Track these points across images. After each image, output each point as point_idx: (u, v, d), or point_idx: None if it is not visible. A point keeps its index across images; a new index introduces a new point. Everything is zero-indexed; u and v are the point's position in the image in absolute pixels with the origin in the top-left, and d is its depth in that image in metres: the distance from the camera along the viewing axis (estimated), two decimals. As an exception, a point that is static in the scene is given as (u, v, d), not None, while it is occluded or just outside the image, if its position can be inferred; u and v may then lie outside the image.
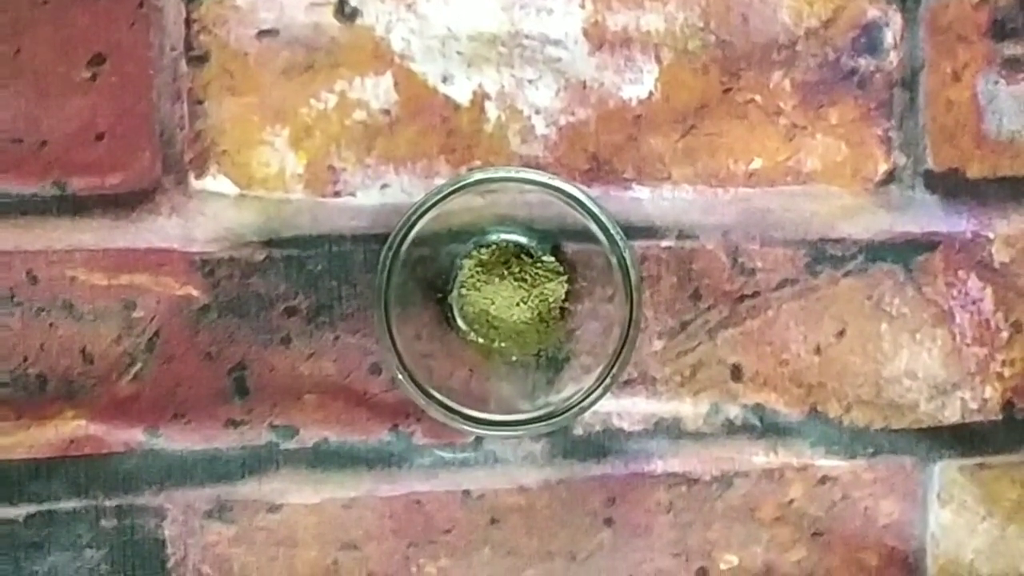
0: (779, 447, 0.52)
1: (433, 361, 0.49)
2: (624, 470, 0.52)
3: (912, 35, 0.52)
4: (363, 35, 0.49)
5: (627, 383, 0.51)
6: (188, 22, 0.48)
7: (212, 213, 0.49)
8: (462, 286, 0.49)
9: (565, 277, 0.50)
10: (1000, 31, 0.52)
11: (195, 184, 0.48)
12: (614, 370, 0.46)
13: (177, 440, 0.49)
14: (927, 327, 0.53)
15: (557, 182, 0.46)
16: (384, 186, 0.49)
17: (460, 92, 0.50)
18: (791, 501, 0.53)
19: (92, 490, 0.49)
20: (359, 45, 0.49)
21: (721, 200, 0.51)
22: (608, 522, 0.52)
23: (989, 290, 0.53)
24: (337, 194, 0.49)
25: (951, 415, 0.53)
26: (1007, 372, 0.54)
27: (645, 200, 0.51)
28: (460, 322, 0.50)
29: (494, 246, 0.50)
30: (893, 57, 0.52)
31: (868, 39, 0.51)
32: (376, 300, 0.45)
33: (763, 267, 0.52)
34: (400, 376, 0.46)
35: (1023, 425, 0.54)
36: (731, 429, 0.52)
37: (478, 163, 0.50)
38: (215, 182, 0.49)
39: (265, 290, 0.49)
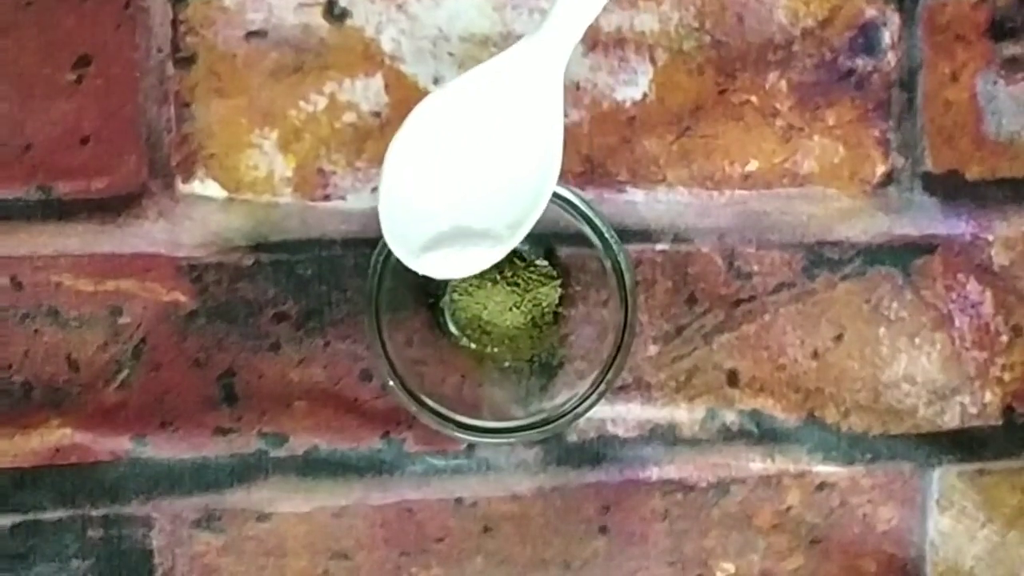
0: (776, 453, 0.52)
1: (425, 367, 0.48)
2: (619, 477, 0.51)
3: (910, 35, 0.51)
4: (353, 36, 0.48)
5: (622, 389, 0.51)
6: (175, 23, 0.48)
7: (199, 217, 0.48)
8: (454, 291, 0.49)
9: (559, 281, 0.49)
10: (999, 31, 0.52)
11: (182, 188, 0.48)
12: (609, 376, 0.46)
13: (165, 448, 0.49)
14: (926, 331, 0.52)
15: (550, 185, 0.45)
16: (375, 189, 0.49)
17: (452, 94, 0.49)
18: (788, 508, 0.52)
19: (78, 499, 0.48)
20: (349, 46, 0.48)
21: (717, 203, 0.51)
22: (603, 530, 0.51)
23: (989, 293, 0.53)
24: (327, 198, 0.49)
25: (950, 420, 0.53)
26: (1007, 376, 0.53)
27: (640, 203, 0.50)
28: (452, 327, 0.49)
29: (486, 250, 0.49)
30: (891, 57, 0.51)
31: (865, 39, 0.51)
32: (367, 305, 0.45)
33: (759, 271, 0.51)
34: (391, 382, 0.45)
35: (1023, 430, 0.53)
36: (727, 435, 0.52)
37: (470, 166, 0.49)
38: (203, 186, 0.48)
39: (254, 295, 0.49)
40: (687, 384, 0.51)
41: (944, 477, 0.53)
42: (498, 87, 0.33)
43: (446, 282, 0.49)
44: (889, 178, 0.52)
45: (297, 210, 0.49)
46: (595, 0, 0.34)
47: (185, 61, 0.48)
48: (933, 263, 0.52)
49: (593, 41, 0.49)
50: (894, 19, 0.51)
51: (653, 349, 0.51)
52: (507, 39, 0.49)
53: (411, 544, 0.50)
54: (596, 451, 0.51)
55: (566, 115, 0.49)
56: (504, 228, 0.36)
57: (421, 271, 0.38)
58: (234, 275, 0.49)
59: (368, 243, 0.49)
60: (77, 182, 0.47)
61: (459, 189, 0.34)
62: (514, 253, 0.49)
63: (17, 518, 0.48)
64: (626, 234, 0.50)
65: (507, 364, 0.49)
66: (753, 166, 0.51)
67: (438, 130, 0.33)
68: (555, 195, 0.45)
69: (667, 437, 0.51)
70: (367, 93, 0.49)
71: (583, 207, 0.45)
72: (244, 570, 0.50)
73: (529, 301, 0.49)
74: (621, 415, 0.51)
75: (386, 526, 0.50)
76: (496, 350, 0.49)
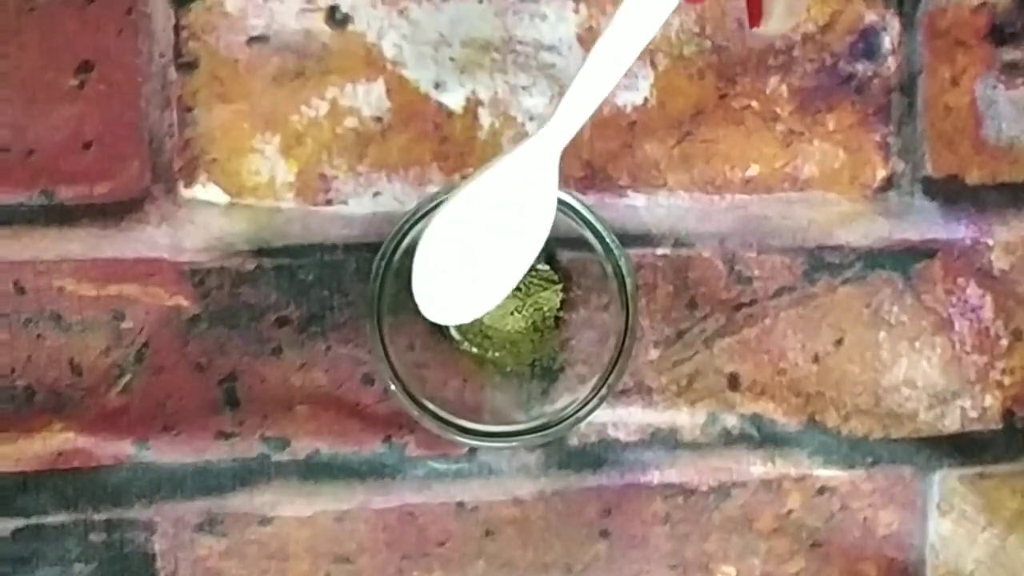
0: (777, 457, 0.52)
1: (426, 371, 0.48)
2: (620, 481, 0.51)
3: (910, 40, 0.51)
4: (354, 41, 0.48)
5: (623, 393, 0.51)
6: (177, 28, 0.48)
7: (202, 222, 0.48)
8: (455, 295, 0.49)
9: (560, 286, 0.49)
10: (999, 36, 0.52)
11: (184, 193, 0.48)
12: (610, 380, 0.46)
13: (167, 452, 0.49)
14: (926, 335, 0.52)
15: (551, 190, 0.45)
16: (376, 194, 0.49)
17: (453, 99, 0.49)
18: (789, 512, 0.52)
19: (81, 504, 0.48)
20: (350, 51, 0.48)
21: (717, 207, 0.51)
22: (604, 534, 0.51)
23: (989, 297, 0.53)
24: (329, 202, 0.49)
25: (951, 424, 0.53)
26: (1007, 380, 0.53)
27: (641, 207, 0.50)
28: (453, 332, 0.49)
29: (488, 255, 0.49)
30: (891, 62, 0.51)
31: (866, 44, 0.51)
32: (368, 310, 0.45)
33: (760, 275, 0.51)
34: (393, 386, 0.45)
35: (1023, 434, 0.53)
36: (728, 439, 0.52)
37: (471, 171, 0.49)
38: (205, 191, 0.48)
39: (256, 300, 0.49)
40: (688, 388, 0.51)
41: (945, 481, 0.53)
42: (505, 183, 0.40)
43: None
44: (889, 182, 0.52)
45: (299, 215, 0.49)
46: (588, 107, 0.39)
47: (187, 66, 0.48)
48: (933, 267, 0.52)
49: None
50: (894, 24, 0.51)
51: (654, 353, 0.51)
52: (508, 44, 0.49)
53: (413, 548, 0.50)
54: (597, 455, 0.51)
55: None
56: (499, 286, 0.43)
57: (460, 321, 0.44)
58: (236, 280, 0.49)
59: (369, 248, 0.49)
60: (80, 187, 0.47)
61: (475, 260, 0.41)
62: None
63: (20, 522, 0.48)
64: (627, 238, 0.50)
65: (508, 368, 0.49)
66: (754, 170, 0.51)
67: (457, 224, 0.40)
68: (557, 200, 0.45)
69: (668, 441, 0.51)
70: (369, 98, 0.49)
71: (584, 212, 0.45)
72: (246, 574, 0.50)
73: (530, 305, 0.49)
74: (622, 419, 0.51)
75: (388, 530, 0.50)
76: (497, 354, 0.49)
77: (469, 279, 0.41)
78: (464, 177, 0.49)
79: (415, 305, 0.49)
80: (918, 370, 0.53)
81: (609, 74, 0.39)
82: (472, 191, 0.40)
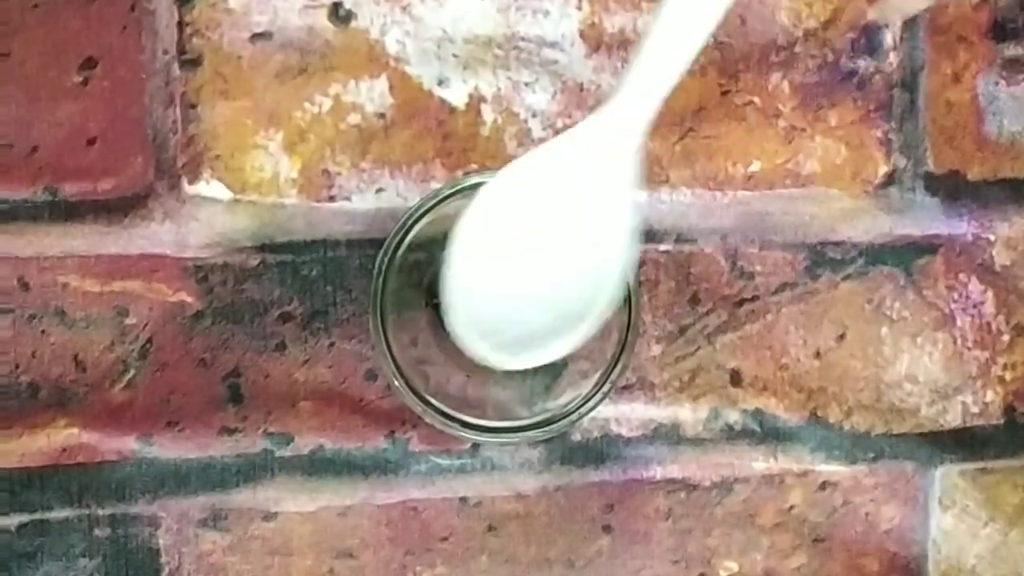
0: (779, 453, 0.52)
1: (429, 367, 0.48)
2: (623, 476, 0.51)
3: (912, 36, 0.51)
4: (357, 38, 0.49)
5: (625, 388, 0.51)
6: (181, 25, 0.48)
7: (205, 218, 0.48)
8: (458, 291, 0.49)
9: (562, 282, 0.49)
10: (1000, 32, 0.52)
11: (188, 189, 0.48)
12: (612, 376, 0.46)
13: (171, 448, 0.49)
14: (928, 331, 0.53)
15: (554, 186, 0.45)
16: (379, 190, 0.49)
17: (456, 95, 0.49)
18: (791, 507, 0.52)
19: (85, 499, 0.49)
20: (353, 48, 0.49)
21: (719, 203, 0.51)
22: (607, 529, 0.52)
23: (990, 293, 0.53)
24: (332, 199, 0.49)
25: (952, 419, 0.53)
26: (1009, 376, 0.53)
27: (642, 203, 0.50)
28: (456, 327, 0.50)
29: (491, 251, 0.49)
30: (893, 58, 0.51)
31: (867, 40, 0.51)
32: (371, 306, 0.45)
33: (762, 271, 0.51)
34: (396, 382, 0.45)
35: (1025, 429, 0.54)
36: (730, 435, 0.52)
37: (474, 167, 0.49)
38: (208, 187, 0.48)
39: (259, 296, 0.49)
40: (690, 384, 0.51)
41: (946, 476, 0.53)
42: (563, 170, 0.28)
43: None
44: (891, 178, 0.52)
45: (302, 211, 0.49)
46: (677, 64, 0.28)
47: (191, 63, 0.48)
48: (935, 263, 0.52)
49: (597, 42, 0.50)
50: (895, 20, 0.51)
51: (656, 349, 0.51)
52: (511, 40, 0.49)
53: (416, 543, 0.51)
54: (600, 450, 0.51)
55: (569, 116, 0.50)
56: (568, 320, 0.31)
57: (502, 367, 0.34)
58: (240, 276, 0.49)
59: (372, 244, 0.49)
60: (84, 183, 0.48)
61: (525, 286, 0.29)
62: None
63: (24, 517, 0.48)
64: (629, 234, 0.50)
65: (511, 364, 0.49)
66: (756, 167, 0.51)
67: (499, 224, 0.28)
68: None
69: (670, 436, 0.51)
70: (372, 94, 0.49)
71: (587, 208, 0.45)
72: (250, 569, 0.50)
73: (533, 301, 0.49)
74: (625, 415, 0.51)
75: (391, 525, 0.50)
76: (500, 350, 0.49)
77: (523, 322, 0.30)
78: (467, 173, 0.49)
79: (418, 301, 0.49)
80: (920, 365, 0.53)
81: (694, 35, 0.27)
82: (511, 179, 0.29)
